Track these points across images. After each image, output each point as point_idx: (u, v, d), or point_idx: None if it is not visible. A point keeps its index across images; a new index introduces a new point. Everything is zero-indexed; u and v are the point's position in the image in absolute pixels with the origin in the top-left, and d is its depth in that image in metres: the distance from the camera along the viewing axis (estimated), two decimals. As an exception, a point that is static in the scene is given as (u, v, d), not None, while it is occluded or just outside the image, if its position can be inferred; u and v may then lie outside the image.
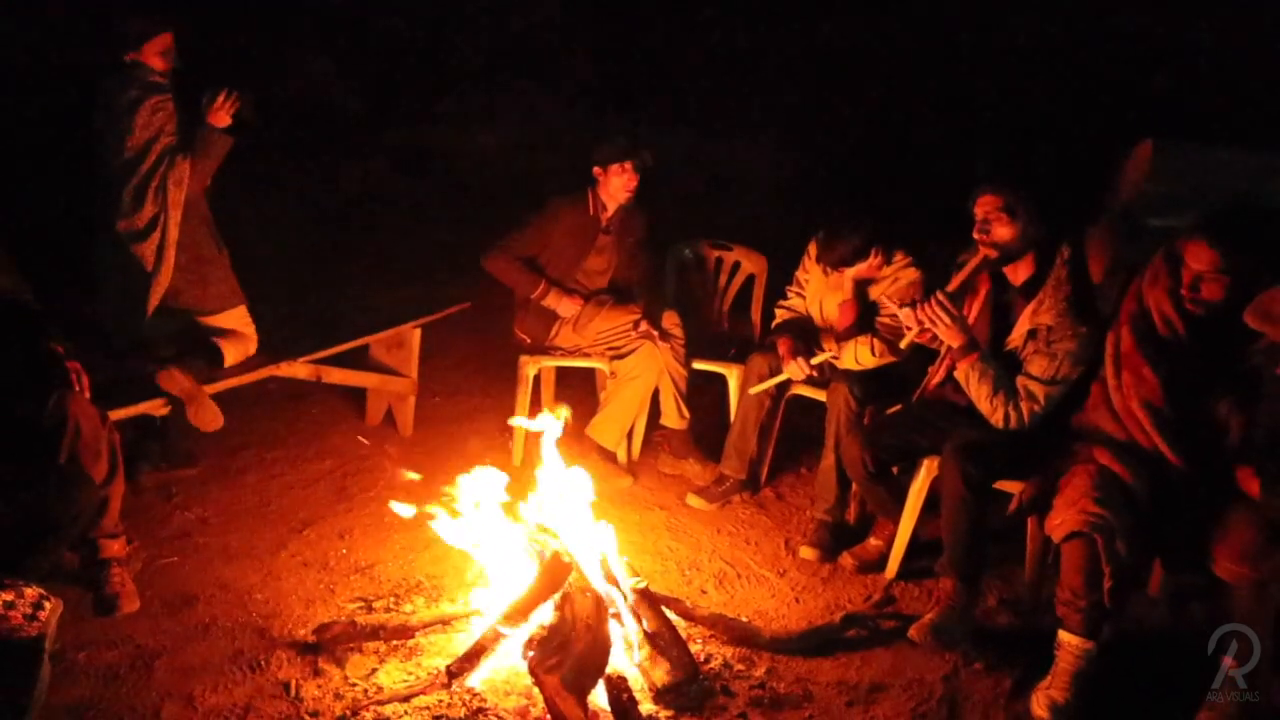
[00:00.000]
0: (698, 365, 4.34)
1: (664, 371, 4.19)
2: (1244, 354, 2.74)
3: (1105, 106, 8.05)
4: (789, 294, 4.09)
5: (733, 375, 4.25)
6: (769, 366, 3.88)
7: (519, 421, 3.71)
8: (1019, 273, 3.19)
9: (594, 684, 2.61)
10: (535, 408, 4.38)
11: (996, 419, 3.09)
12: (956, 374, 3.17)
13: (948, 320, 3.11)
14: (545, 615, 2.75)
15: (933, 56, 9.09)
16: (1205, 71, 7.94)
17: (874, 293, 3.80)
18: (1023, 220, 3.09)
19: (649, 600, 2.93)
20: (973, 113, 8.71)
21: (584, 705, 2.51)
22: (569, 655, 2.58)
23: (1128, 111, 7.63)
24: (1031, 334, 3.11)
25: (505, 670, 2.76)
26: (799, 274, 4.06)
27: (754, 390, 3.88)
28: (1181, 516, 2.77)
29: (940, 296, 3.12)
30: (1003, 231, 3.11)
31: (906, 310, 3.22)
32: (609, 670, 2.66)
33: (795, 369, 3.75)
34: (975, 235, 3.16)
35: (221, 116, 3.62)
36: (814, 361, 3.74)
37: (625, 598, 2.88)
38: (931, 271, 3.66)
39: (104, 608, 3.01)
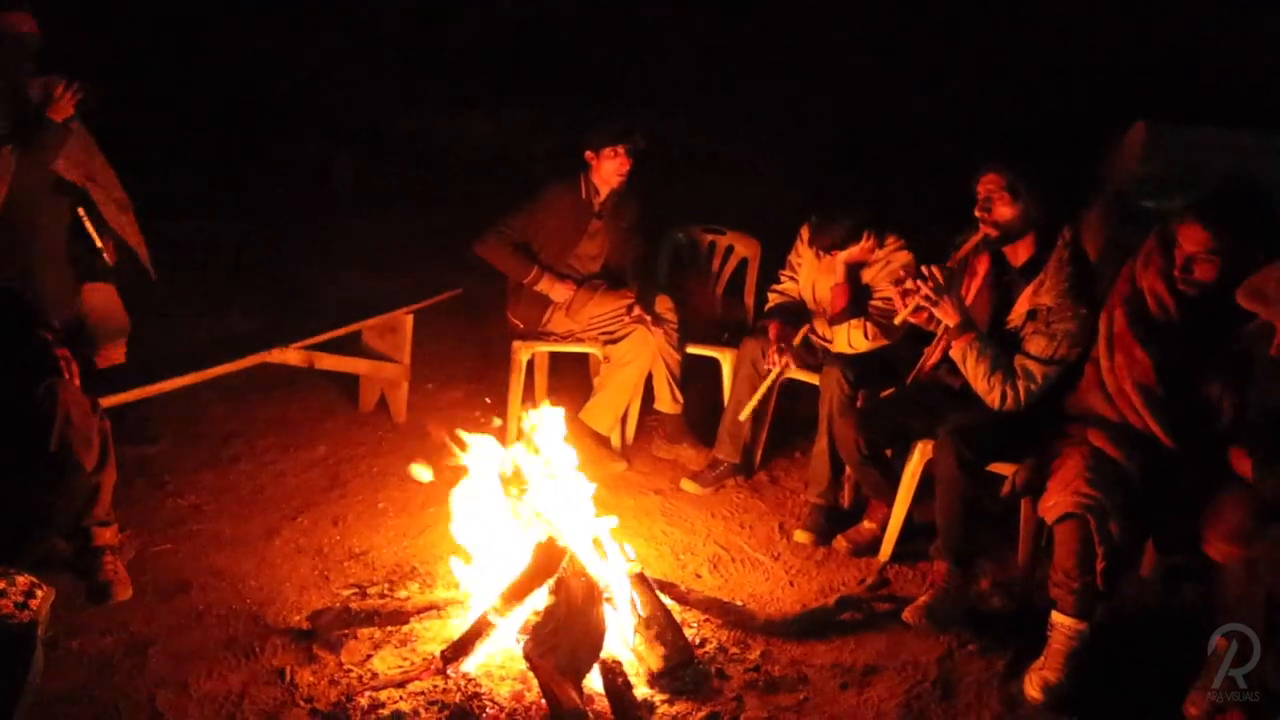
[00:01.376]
0: (691, 350, 4.33)
1: (657, 356, 4.18)
2: (1236, 335, 2.75)
3: (1097, 88, 8.04)
4: (782, 278, 4.09)
5: (726, 359, 4.25)
6: (762, 350, 3.88)
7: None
8: (1019, 253, 3.19)
9: (589, 668, 2.62)
10: (529, 393, 4.38)
11: (993, 398, 3.09)
12: (953, 353, 3.17)
13: (936, 295, 3.10)
14: (540, 600, 2.75)
15: (927, 40, 9.07)
16: (1197, 51, 7.93)
17: (867, 276, 3.79)
18: (1025, 201, 3.09)
19: (644, 584, 2.93)
20: (968, 96, 8.70)
21: (579, 689, 2.52)
22: (564, 640, 2.58)
23: (1120, 93, 7.63)
24: (1031, 314, 3.11)
25: (500, 655, 2.76)
26: (791, 257, 4.05)
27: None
28: (1174, 497, 2.78)
29: (934, 268, 3.12)
30: (1004, 210, 3.11)
31: (899, 286, 3.22)
32: (604, 655, 2.66)
33: (776, 362, 3.75)
34: (977, 213, 3.16)
35: (62, 108, 3.37)
36: (795, 340, 3.74)
37: (620, 582, 2.88)
38: (926, 254, 3.65)
39: (97, 596, 2.99)
